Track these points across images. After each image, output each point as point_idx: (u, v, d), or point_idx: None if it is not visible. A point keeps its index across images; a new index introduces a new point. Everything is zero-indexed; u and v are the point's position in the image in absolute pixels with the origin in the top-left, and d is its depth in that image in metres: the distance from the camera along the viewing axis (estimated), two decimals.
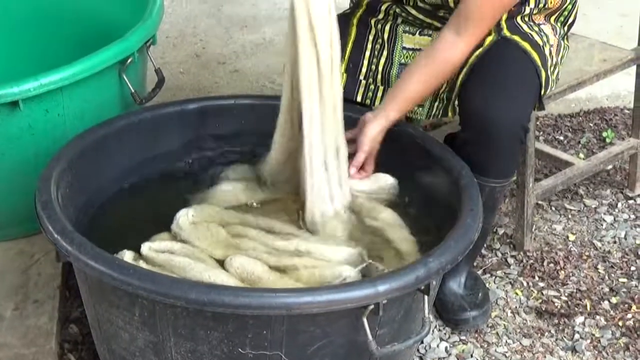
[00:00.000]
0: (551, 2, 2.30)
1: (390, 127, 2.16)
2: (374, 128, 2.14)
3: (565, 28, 2.41)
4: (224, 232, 2.11)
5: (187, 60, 3.56)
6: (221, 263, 2.01)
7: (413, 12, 2.29)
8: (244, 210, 2.20)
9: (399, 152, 2.23)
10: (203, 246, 2.05)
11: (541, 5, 2.28)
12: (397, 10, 2.31)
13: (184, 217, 2.11)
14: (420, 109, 2.32)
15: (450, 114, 2.29)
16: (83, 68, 2.31)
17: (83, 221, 2.10)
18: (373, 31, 2.35)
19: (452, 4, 2.21)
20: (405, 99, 2.16)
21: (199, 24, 3.83)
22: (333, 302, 1.75)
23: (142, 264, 1.97)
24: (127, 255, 1.98)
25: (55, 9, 2.90)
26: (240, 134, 2.40)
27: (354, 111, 2.24)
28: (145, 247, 2.01)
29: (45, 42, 2.91)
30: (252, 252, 2.03)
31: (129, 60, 2.41)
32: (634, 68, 2.70)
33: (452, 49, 2.13)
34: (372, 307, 1.77)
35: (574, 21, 2.41)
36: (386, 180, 2.19)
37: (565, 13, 2.37)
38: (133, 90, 2.45)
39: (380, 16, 2.35)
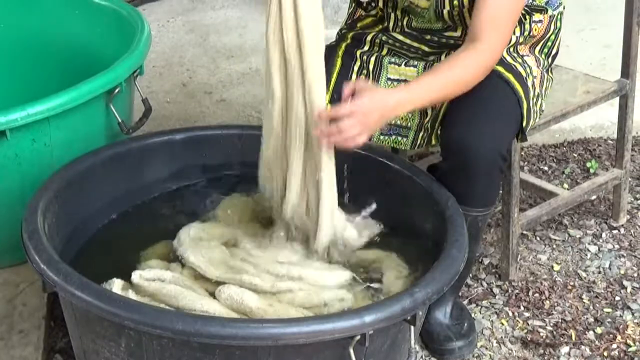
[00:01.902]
0: (536, 30, 2.33)
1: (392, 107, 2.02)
2: (384, 98, 2.01)
3: (549, 60, 2.43)
4: (225, 252, 2.11)
5: (174, 90, 3.56)
6: (215, 286, 2.02)
7: (400, 37, 2.31)
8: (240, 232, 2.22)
9: (385, 183, 2.24)
10: (198, 264, 2.06)
11: (526, 33, 2.31)
12: (384, 38, 2.33)
13: (185, 233, 2.13)
14: (405, 139, 2.34)
15: (434, 141, 2.30)
16: (70, 98, 2.32)
17: (69, 251, 2.11)
18: (358, 62, 2.37)
19: (439, 26, 2.24)
20: (426, 91, 2.06)
21: (185, 53, 3.84)
22: (319, 332, 1.75)
23: (131, 293, 1.97)
24: (117, 284, 1.98)
25: (42, 38, 2.91)
26: (227, 163, 2.41)
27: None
28: (136, 275, 2.01)
29: (32, 71, 2.92)
30: (246, 277, 2.03)
31: (116, 90, 2.42)
32: (617, 99, 2.72)
33: (470, 60, 2.11)
34: (358, 337, 1.77)
35: (557, 53, 2.44)
36: (373, 229, 2.20)
37: (549, 44, 2.40)
38: (120, 120, 2.46)
39: (366, 48, 2.38)
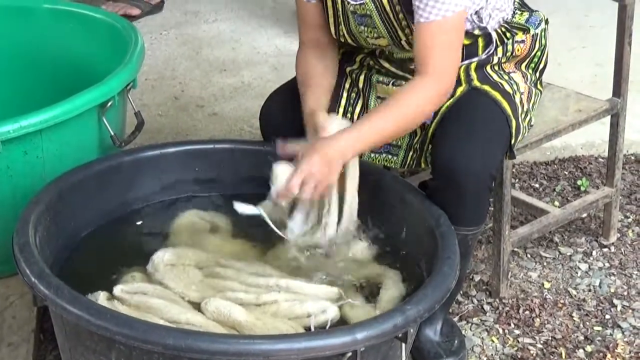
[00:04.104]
0: (519, 50, 2.34)
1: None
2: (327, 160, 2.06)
3: (537, 74, 2.44)
4: (200, 274, 2.11)
5: (166, 103, 3.56)
6: (196, 305, 2.01)
7: (386, 64, 2.32)
8: (219, 252, 2.21)
9: (377, 199, 2.24)
10: (177, 288, 2.05)
11: (509, 54, 2.32)
12: (371, 62, 2.35)
13: (159, 259, 2.11)
14: (395, 157, 2.34)
15: (423, 165, 2.31)
16: (63, 111, 2.32)
17: (60, 264, 2.10)
18: (349, 80, 2.38)
19: None
20: (369, 138, 2.11)
21: (178, 66, 3.85)
22: (311, 349, 1.75)
23: (117, 304, 1.97)
24: (102, 296, 1.98)
25: (36, 51, 2.91)
26: (219, 178, 2.41)
27: None
28: (118, 289, 2.01)
29: (25, 83, 2.91)
30: (230, 293, 2.03)
31: (109, 104, 2.42)
32: (608, 118, 2.73)
33: (417, 92, 2.13)
34: (349, 354, 1.77)
35: (544, 67, 2.45)
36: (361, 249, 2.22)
37: (535, 60, 2.41)
38: (112, 133, 2.46)
39: (355, 66, 2.38)
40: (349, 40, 2.31)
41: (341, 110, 2.36)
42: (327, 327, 1.95)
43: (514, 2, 2.37)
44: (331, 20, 2.29)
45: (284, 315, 1.99)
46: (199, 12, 4.34)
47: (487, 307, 2.57)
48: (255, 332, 1.92)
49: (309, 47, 2.34)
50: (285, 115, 2.37)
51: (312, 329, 1.95)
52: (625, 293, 2.64)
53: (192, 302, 2.03)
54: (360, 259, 2.18)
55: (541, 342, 2.45)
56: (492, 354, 2.42)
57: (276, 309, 2.00)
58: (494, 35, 2.28)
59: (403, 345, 1.87)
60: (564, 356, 2.41)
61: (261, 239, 2.24)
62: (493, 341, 2.46)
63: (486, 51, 2.28)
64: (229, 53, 3.96)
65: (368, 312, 2.01)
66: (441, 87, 2.16)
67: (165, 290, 2.05)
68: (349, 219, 2.17)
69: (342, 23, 2.27)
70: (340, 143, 2.09)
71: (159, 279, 2.08)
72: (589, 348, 2.44)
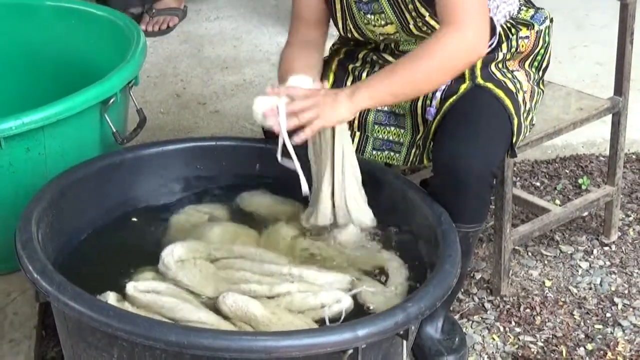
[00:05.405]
0: (523, 46, 2.34)
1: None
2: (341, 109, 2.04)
3: (540, 73, 2.45)
4: (212, 267, 2.11)
5: (168, 100, 3.57)
6: (213, 300, 2.01)
7: (390, 59, 2.32)
8: (223, 239, 2.21)
9: (378, 197, 2.25)
10: (192, 284, 2.05)
11: (513, 49, 2.33)
12: (374, 57, 2.35)
13: (169, 256, 2.10)
14: (397, 155, 2.34)
15: (425, 161, 2.31)
16: (65, 107, 2.32)
17: (63, 261, 2.10)
18: (351, 77, 2.38)
19: None
20: (384, 88, 2.06)
21: (179, 64, 3.85)
22: (312, 346, 1.75)
23: (127, 305, 1.96)
24: (111, 297, 1.96)
25: (38, 48, 2.91)
26: (221, 175, 2.41)
27: None
28: (131, 287, 1.99)
29: (28, 80, 2.92)
30: (244, 285, 2.03)
31: (111, 101, 2.43)
32: (609, 116, 2.74)
33: (442, 43, 2.06)
34: (351, 351, 1.78)
35: (547, 66, 2.46)
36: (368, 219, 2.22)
37: (539, 58, 2.41)
38: (115, 130, 2.46)
39: (358, 63, 2.39)
40: (356, 35, 2.30)
41: None
42: (342, 317, 1.95)
43: None
44: (339, 15, 2.29)
45: (298, 307, 1.99)
46: (201, 10, 4.35)
47: (488, 305, 2.58)
48: (270, 328, 1.92)
49: (296, 45, 2.32)
50: None
51: (327, 320, 1.95)
52: (626, 291, 2.65)
53: (208, 298, 2.02)
54: (351, 243, 2.19)
55: (542, 340, 2.46)
56: (492, 352, 2.42)
57: (290, 300, 2.00)
58: (499, 29, 2.28)
59: (404, 342, 1.87)
60: (564, 354, 2.41)
61: (261, 222, 2.25)
62: (494, 339, 2.47)
63: (489, 44, 2.28)
64: (230, 51, 3.96)
65: (388, 298, 2.01)
66: (469, 36, 2.07)
67: (177, 288, 2.03)
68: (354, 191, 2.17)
69: (349, 18, 2.27)
70: (350, 88, 2.05)
71: (172, 277, 2.07)
72: (589, 346, 2.44)
